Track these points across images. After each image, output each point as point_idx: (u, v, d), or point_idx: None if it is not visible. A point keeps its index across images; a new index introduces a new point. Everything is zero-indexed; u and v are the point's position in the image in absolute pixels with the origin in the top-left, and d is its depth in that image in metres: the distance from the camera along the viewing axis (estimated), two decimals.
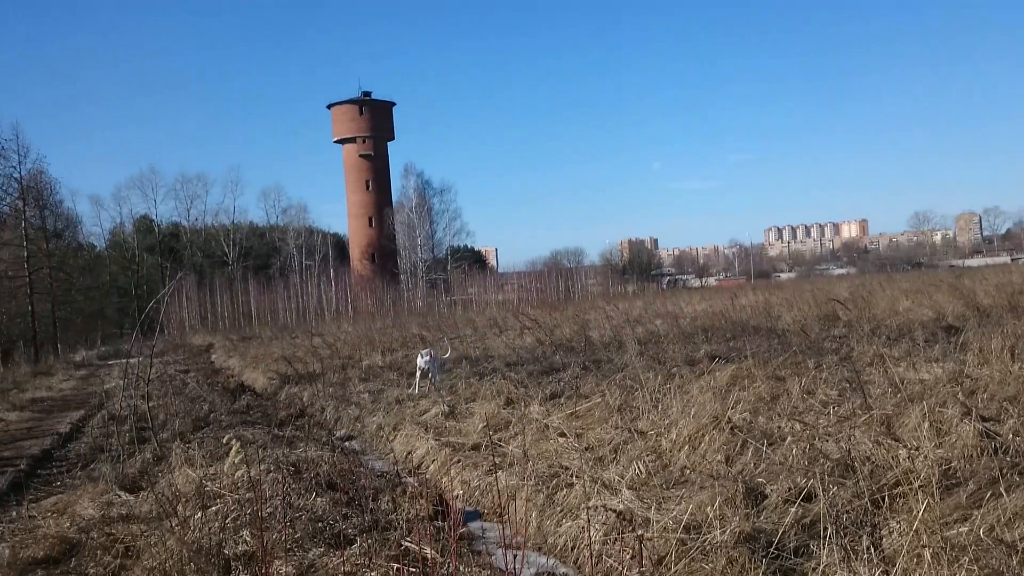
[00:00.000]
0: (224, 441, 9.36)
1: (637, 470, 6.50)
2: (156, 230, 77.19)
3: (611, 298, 47.60)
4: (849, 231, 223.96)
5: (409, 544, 5.38)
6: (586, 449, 7.40)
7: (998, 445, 6.15)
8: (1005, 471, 5.30)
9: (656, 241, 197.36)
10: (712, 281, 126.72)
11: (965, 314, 16.41)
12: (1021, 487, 4.84)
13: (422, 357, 13.14)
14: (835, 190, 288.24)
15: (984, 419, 6.77)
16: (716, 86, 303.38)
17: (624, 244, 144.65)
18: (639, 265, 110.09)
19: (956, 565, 3.49)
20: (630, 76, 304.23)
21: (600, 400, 9.08)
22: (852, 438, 6.42)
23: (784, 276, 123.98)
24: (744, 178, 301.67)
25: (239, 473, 7.55)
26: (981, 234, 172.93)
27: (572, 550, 5.57)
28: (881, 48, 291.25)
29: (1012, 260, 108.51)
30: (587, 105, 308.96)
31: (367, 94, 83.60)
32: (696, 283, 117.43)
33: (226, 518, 6.17)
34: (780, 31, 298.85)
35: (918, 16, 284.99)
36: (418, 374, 13.28)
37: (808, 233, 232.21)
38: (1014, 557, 3.63)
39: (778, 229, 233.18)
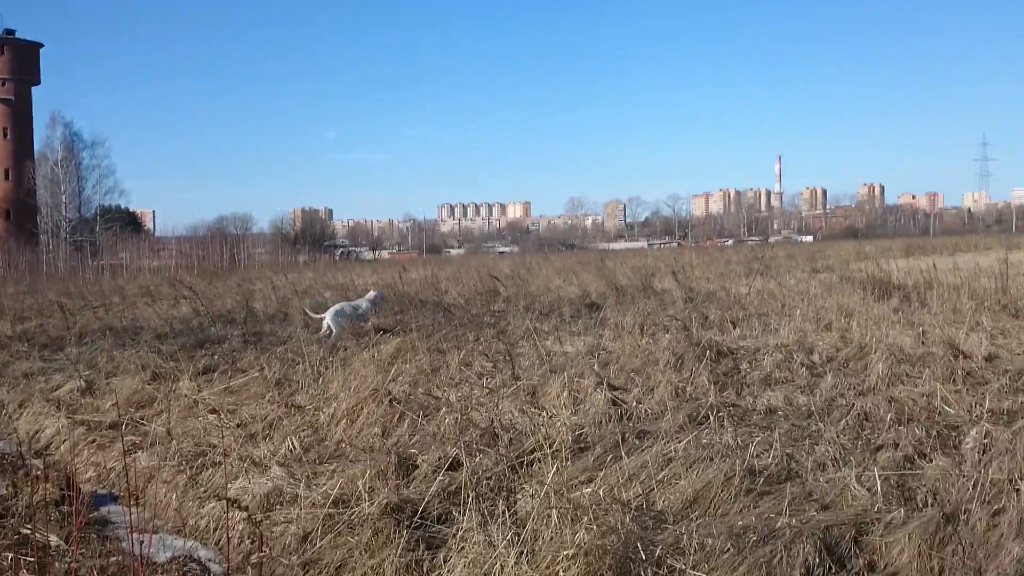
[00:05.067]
0: None
1: (291, 446, 6.35)
2: None
3: (281, 268, 46.35)
4: (514, 212, 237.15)
5: (28, 531, 4.81)
6: (238, 426, 7.09)
7: (623, 411, 6.83)
8: (627, 435, 5.89)
9: (331, 212, 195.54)
10: (385, 254, 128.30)
11: (606, 293, 18.06)
12: (638, 450, 5.40)
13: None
14: (503, 172, 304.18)
15: (613, 388, 7.49)
16: (393, 60, 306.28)
17: (297, 213, 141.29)
18: (312, 235, 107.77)
19: (578, 524, 3.80)
20: (309, 40, 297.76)
21: (258, 374, 8.76)
22: (500, 407, 6.76)
23: (454, 252, 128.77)
24: (419, 154, 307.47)
25: None
26: (625, 220, 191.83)
27: (215, 531, 5.32)
28: (542, 44, 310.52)
29: (648, 245, 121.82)
30: (261, 65, 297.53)
31: (10, 32, 73.73)
32: (370, 256, 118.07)
33: None
34: (456, 16, 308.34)
35: (559, 18, 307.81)
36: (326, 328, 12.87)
37: (478, 212, 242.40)
38: (627, 515, 4.03)
39: (451, 206, 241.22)
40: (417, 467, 5.58)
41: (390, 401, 7.09)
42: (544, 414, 6.58)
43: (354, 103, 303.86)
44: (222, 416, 7.34)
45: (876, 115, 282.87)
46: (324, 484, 5.20)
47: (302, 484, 5.28)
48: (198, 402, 7.95)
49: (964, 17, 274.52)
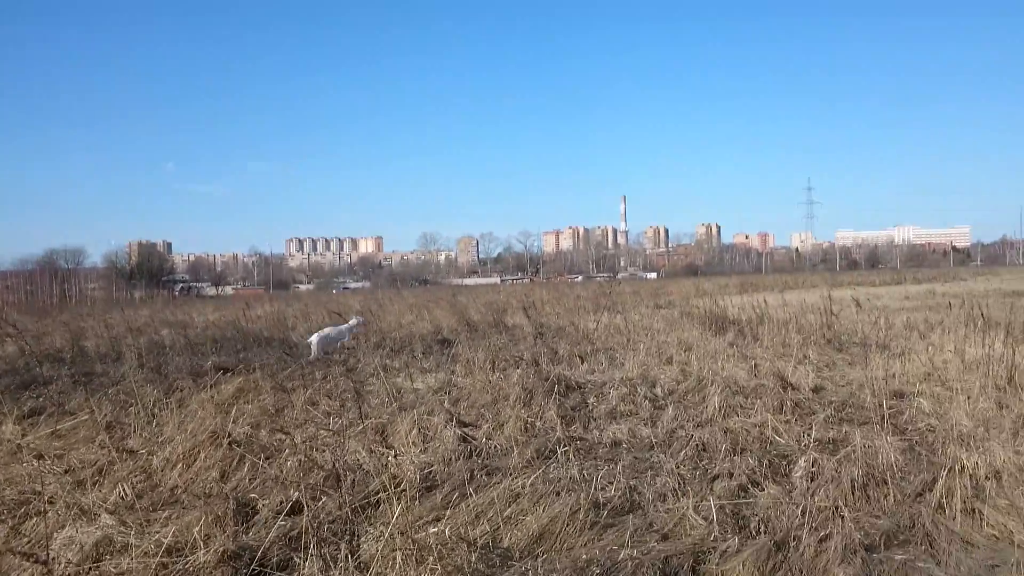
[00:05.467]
0: None
1: (123, 492, 5.99)
2: None
3: (115, 304, 43.91)
4: (366, 247, 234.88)
5: None
6: (66, 472, 6.63)
7: (473, 448, 6.82)
8: (476, 472, 5.88)
9: (170, 245, 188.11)
10: (229, 290, 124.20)
11: (458, 329, 18.08)
12: (487, 487, 5.40)
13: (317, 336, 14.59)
14: (354, 206, 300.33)
15: (464, 424, 7.48)
16: (237, 91, 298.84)
17: (133, 246, 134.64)
18: (149, 270, 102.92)
19: (423, 565, 3.75)
20: (148, 66, 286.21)
21: (87, 417, 8.23)
22: (346, 447, 6.62)
23: (303, 287, 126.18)
24: (266, 187, 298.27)
25: None
26: (478, 256, 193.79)
27: None
28: (390, 82, 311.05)
29: (501, 281, 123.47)
30: (95, 90, 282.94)
31: None
32: (212, 291, 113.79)
33: None
34: (303, 49, 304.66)
35: (409, 56, 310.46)
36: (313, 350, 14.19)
37: (328, 246, 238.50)
38: (474, 554, 4.01)
39: (299, 240, 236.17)
40: (257, 512, 5.37)
41: (230, 443, 6.81)
42: (392, 453, 6.48)
43: (195, 133, 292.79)
44: (48, 462, 6.84)
45: (712, 158, 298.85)
46: (157, 532, 4.92)
47: (133, 532, 4.99)
48: (22, 447, 7.38)
49: (790, 68, 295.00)
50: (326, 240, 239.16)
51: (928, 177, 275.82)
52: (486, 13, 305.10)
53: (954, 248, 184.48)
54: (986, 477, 5.58)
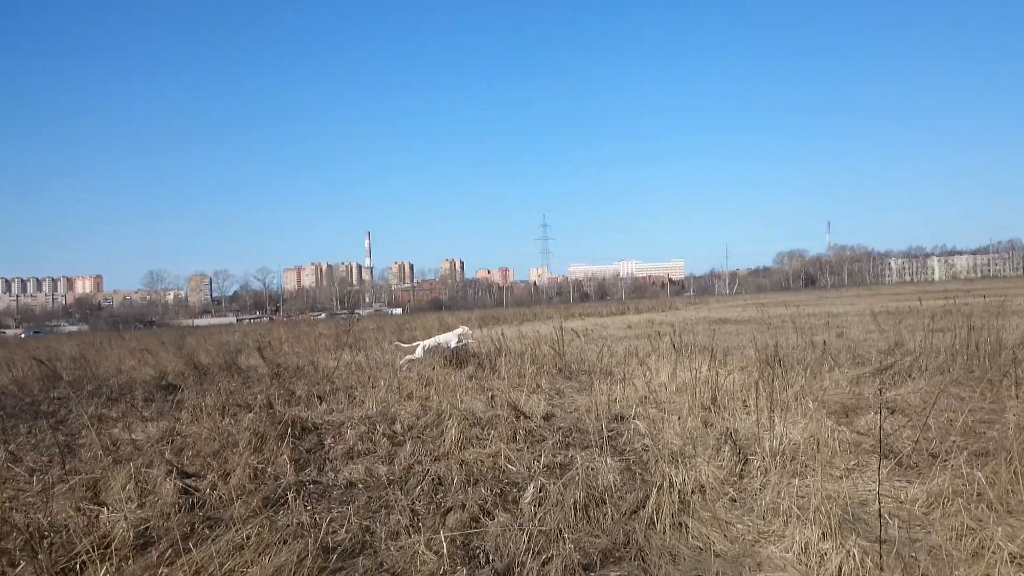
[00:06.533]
0: None
1: None
2: None
3: None
4: (84, 286, 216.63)
5: None
6: None
7: (196, 500, 6.42)
8: (198, 525, 5.53)
9: None
10: None
11: (185, 373, 17.05)
12: (209, 540, 5.08)
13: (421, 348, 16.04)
14: (70, 244, 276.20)
15: (187, 475, 7.02)
16: None
17: None
18: None
19: None
20: None
21: None
22: (51, 507, 6.00)
23: (11, 332, 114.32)
24: None
25: None
26: (211, 295, 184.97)
27: None
28: (110, 113, 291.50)
29: (238, 320, 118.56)
30: None
31: None
32: None
33: None
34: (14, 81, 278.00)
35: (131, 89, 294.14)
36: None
37: (40, 287, 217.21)
38: None
39: (6, 281, 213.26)
40: None
41: None
42: (105, 510, 5.95)
43: None
44: None
45: (454, 195, 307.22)
46: None
47: None
48: None
49: (526, 112, 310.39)
50: (37, 280, 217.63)
51: (647, 216, 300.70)
52: (217, 43, 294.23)
53: (671, 280, 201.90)
54: (692, 492, 6.07)
